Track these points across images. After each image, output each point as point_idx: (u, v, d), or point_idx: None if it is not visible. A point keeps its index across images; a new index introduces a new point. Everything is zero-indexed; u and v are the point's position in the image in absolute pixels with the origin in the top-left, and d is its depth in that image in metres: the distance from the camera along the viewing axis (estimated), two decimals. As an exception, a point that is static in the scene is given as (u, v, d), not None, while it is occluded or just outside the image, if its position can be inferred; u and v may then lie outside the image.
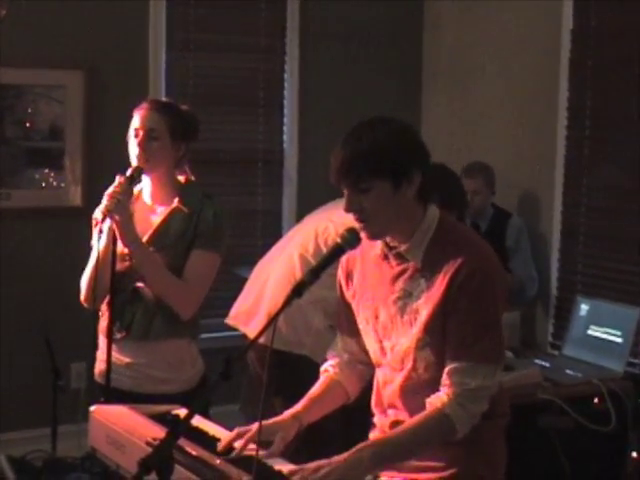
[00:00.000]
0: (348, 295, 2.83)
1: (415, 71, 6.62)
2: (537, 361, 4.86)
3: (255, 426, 2.56)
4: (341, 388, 2.86)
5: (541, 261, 5.71)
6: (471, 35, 6.27)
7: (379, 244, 2.69)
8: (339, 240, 2.63)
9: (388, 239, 2.66)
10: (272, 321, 2.43)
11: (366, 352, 2.83)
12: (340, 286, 2.86)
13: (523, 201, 5.90)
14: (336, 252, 2.63)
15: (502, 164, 5.95)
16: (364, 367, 2.88)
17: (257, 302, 4.16)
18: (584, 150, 5.55)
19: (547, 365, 4.83)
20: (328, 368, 2.90)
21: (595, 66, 5.48)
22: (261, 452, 2.50)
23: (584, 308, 5.04)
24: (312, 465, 2.46)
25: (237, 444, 2.57)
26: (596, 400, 4.48)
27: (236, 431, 2.60)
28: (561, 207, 5.66)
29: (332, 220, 4.04)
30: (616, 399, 4.48)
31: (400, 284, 2.65)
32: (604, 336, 4.86)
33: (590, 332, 4.94)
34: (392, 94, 6.43)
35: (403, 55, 6.57)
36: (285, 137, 6.32)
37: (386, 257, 2.68)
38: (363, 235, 2.64)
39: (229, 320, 4.30)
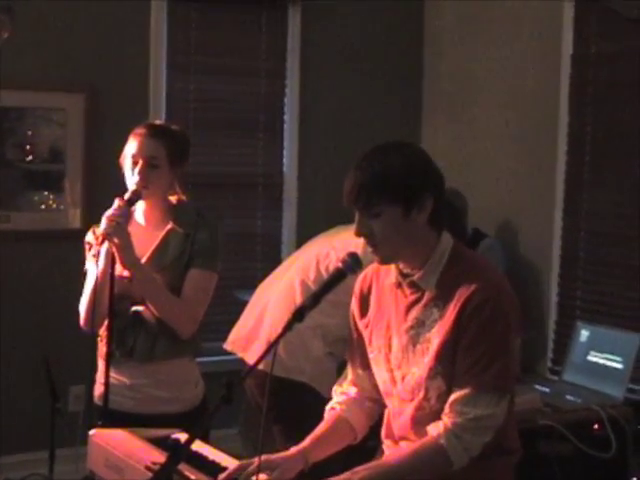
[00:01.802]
0: (361, 325, 2.79)
1: (415, 95, 6.62)
2: (537, 386, 4.84)
3: (257, 460, 2.53)
4: (348, 427, 2.81)
5: (540, 286, 5.71)
6: (471, 60, 6.29)
7: (394, 273, 2.68)
8: (340, 264, 2.62)
9: (401, 266, 2.65)
10: (272, 346, 2.43)
11: (376, 387, 2.79)
12: (353, 316, 2.83)
13: (522, 226, 5.90)
14: (337, 276, 2.61)
15: (502, 188, 5.96)
16: (373, 405, 2.84)
17: (256, 327, 4.14)
18: (584, 175, 5.55)
19: (547, 391, 4.81)
20: (335, 406, 2.85)
21: (595, 91, 5.49)
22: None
23: (584, 334, 5.03)
24: None
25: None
26: (596, 426, 4.47)
27: (238, 464, 2.56)
28: (561, 232, 5.65)
29: (334, 247, 4.03)
30: (616, 425, 4.46)
31: (413, 313, 2.63)
32: (604, 362, 4.85)
33: (590, 358, 4.93)
34: (392, 118, 6.44)
35: (403, 79, 6.58)
36: (285, 161, 6.32)
37: (400, 285, 2.66)
38: (375, 260, 2.64)
39: (227, 345, 4.28)
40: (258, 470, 2.44)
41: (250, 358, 4.05)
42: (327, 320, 3.82)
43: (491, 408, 2.52)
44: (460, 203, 5.59)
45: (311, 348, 3.98)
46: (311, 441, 2.73)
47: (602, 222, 5.46)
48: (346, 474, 2.48)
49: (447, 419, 2.53)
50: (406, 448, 2.59)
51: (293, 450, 2.68)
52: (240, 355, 4.17)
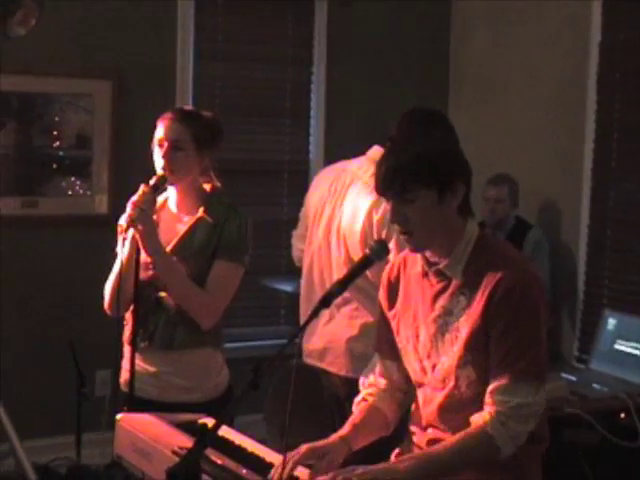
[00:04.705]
0: (389, 315, 2.78)
1: (441, 83, 6.61)
2: (563, 375, 4.81)
3: (303, 449, 2.54)
4: (382, 415, 2.78)
5: (567, 274, 5.69)
6: (499, 47, 6.26)
7: (420, 262, 2.67)
8: (367, 251, 2.62)
9: (428, 254, 2.63)
10: (300, 331, 2.47)
11: (405, 378, 2.78)
12: (381, 307, 2.81)
13: (549, 213, 5.88)
14: (364, 263, 2.61)
15: (528, 176, 5.93)
16: (402, 395, 2.82)
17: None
18: (611, 163, 5.52)
19: (573, 379, 4.79)
20: (367, 397, 2.83)
21: (623, 79, 5.46)
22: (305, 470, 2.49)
23: (611, 322, 5.00)
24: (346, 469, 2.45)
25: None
26: (623, 415, 4.44)
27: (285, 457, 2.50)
28: (588, 220, 5.63)
29: (371, 215, 3.85)
30: (643, 414, 4.44)
31: (441, 302, 2.62)
32: (631, 351, 4.82)
33: (617, 346, 4.90)
34: (419, 104, 6.41)
35: (430, 67, 6.56)
36: (311, 148, 6.33)
37: (426, 275, 2.65)
38: (407, 247, 2.63)
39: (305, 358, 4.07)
40: (284, 449, 2.44)
41: (327, 365, 3.97)
42: None
43: (531, 396, 2.51)
44: (512, 185, 5.74)
45: None
46: (351, 428, 2.70)
47: (630, 210, 5.43)
48: (391, 461, 2.48)
49: (490, 408, 2.51)
50: (451, 438, 2.56)
51: (335, 438, 2.66)
52: (319, 365, 3.97)
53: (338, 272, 3.85)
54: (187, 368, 3.50)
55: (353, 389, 3.71)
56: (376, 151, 3.82)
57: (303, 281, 4.08)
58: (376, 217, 3.70)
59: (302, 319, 4.08)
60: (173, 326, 3.46)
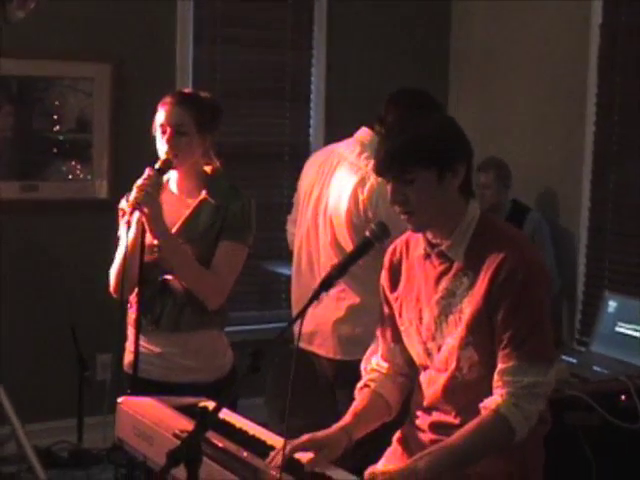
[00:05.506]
0: (392, 297, 2.78)
1: (443, 65, 6.59)
2: (564, 357, 4.82)
3: (303, 438, 2.54)
4: (384, 402, 2.76)
5: (568, 257, 5.69)
6: (499, 30, 6.25)
7: (422, 244, 2.67)
8: (367, 234, 2.62)
9: (430, 236, 2.63)
10: (300, 316, 2.45)
11: (408, 361, 2.78)
12: (383, 289, 2.81)
13: (550, 197, 5.87)
14: (364, 246, 2.61)
15: (529, 159, 5.93)
16: (404, 380, 2.81)
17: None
18: (612, 146, 5.52)
19: (574, 361, 4.79)
20: (369, 382, 2.81)
21: (624, 61, 5.45)
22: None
23: (612, 305, 4.99)
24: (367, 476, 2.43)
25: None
26: (623, 397, 4.44)
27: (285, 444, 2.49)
28: (589, 203, 5.63)
29: (356, 200, 3.83)
30: (643, 396, 4.44)
31: (443, 284, 2.62)
32: (632, 333, 4.82)
33: (618, 329, 4.90)
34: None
35: (431, 49, 6.54)
36: (311, 131, 6.31)
37: (428, 256, 2.65)
38: (408, 228, 2.62)
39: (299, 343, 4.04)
40: (285, 433, 2.45)
41: (317, 348, 3.96)
42: None
43: (541, 376, 2.51)
44: (500, 170, 5.72)
45: None
46: (352, 418, 2.69)
47: (630, 193, 5.43)
48: (409, 461, 2.46)
49: (501, 390, 2.51)
50: (465, 427, 2.53)
51: (335, 428, 2.64)
52: (309, 349, 3.96)
53: (325, 255, 3.86)
54: (194, 349, 3.52)
55: (341, 371, 3.73)
56: (364, 132, 3.84)
57: (293, 265, 4.09)
58: (361, 197, 3.71)
59: (293, 303, 4.09)
60: (180, 308, 3.48)
